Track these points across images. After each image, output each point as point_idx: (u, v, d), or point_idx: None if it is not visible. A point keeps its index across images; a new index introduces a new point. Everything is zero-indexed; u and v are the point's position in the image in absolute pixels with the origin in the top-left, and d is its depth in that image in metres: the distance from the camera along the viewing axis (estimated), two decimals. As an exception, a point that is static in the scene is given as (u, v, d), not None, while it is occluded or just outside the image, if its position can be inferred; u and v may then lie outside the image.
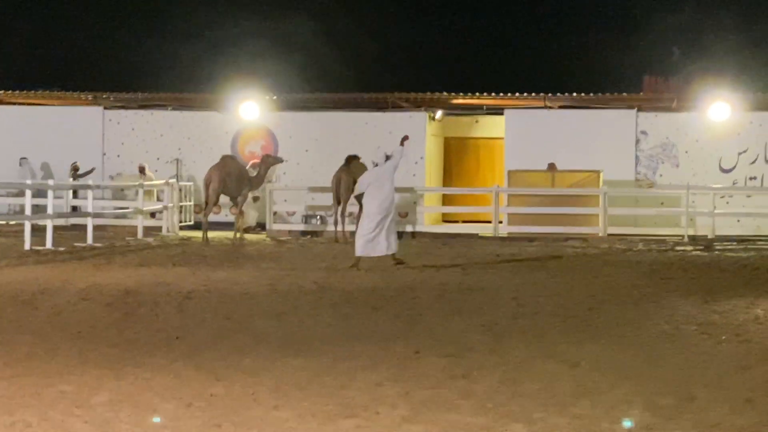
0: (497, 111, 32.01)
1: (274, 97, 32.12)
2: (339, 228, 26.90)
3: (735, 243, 26.43)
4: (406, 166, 27.46)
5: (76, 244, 23.92)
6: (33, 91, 33.44)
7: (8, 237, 25.89)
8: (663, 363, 10.35)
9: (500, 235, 27.63)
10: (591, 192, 28.22)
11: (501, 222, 28.20)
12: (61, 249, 22.74)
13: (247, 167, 27.33)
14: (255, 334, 11.86)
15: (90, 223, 24.85)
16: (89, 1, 55.32)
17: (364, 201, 20.12)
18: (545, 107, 31.18)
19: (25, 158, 31.75)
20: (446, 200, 32.36)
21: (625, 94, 31.39)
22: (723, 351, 11.09)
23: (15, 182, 28.94)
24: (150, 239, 26.33)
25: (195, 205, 31.06)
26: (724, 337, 11.88)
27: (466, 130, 34.18)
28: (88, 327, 12.25)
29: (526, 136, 30.53)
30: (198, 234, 27.32)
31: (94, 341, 11.27)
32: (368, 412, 8.30)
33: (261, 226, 28.97)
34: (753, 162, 29.94)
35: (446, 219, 32.18)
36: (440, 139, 33.60)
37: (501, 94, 30.85)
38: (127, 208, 29.24)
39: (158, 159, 31.68)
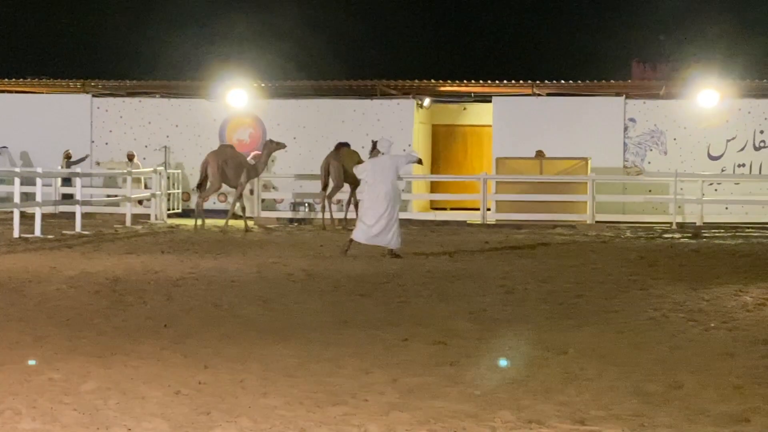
0: (485, 98, 32.04)
1: (262, 85, 32.11)
2: (327, 215, 26.93)
3: (723, 230, 26.48)
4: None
5: (64, 231, 23.90)
6: (21, 79, 33.36)
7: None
8: (651, 350, 10.37)
9: (488, 223, 27.67)
10: (579, 179, 28.26)
11: (489, 209, 28.22)
12: (50, 237, 22.72)
13: (249, 158, 27.21)
14: (243, 322, 11.86)
15: (78, 210, 24.82)
16: (77, -11, 55.11)
17: (366, 190, 19.82)
18: (533, 94, 31.21)
19: (5, 147, 31.71)
20: (434, 187, 32.36)
21: (613, 81, 31.46)
22: (711, 338, 11.12)
23: (2, 170, 28.91)
24: (138, 227, 26.32)
25: (183, 193, 31.05)
26: (712, 324, 11.91)
27: (454, 117, 34.20)
28: (76, 315, 12.24)
29: (514, 124, 30.57)
30: (187, 222, 27.36)
31: (83, 329, 11.26)
32: (356, 399, 8.31)
33: None
34: (741, 149, 30.00)
35: (434, 206, 32.22)
36: (428, 127, 33.62)
37: (489, 81, 30.89)
38: (115, 196, 29.23)
39: (146, 147, 31.67)
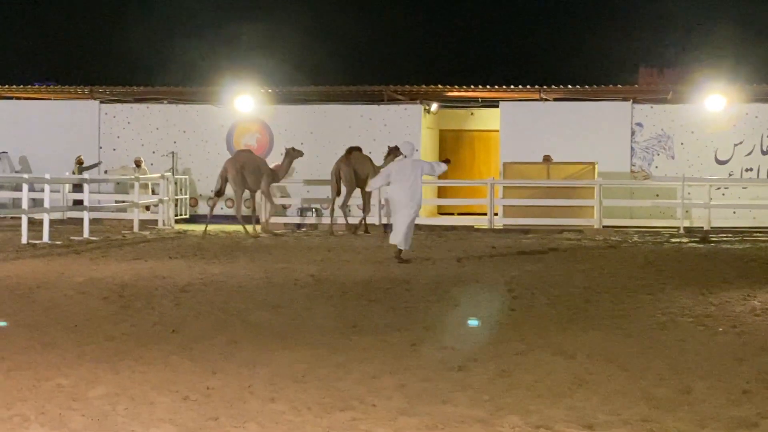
0: (492, 103, 32.05)
1: (270, 90, 32.12)
2: (342, 221, 27.00)
3: (731, 234, 26.45)
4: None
5: (72, 237, 23.94)
6: (29, 85, 33.43)
7: (5, 231, 25.92)
8: (659, 354, 10.36)
9: (496, 227, 27.66)
10: (586, 184, 28.23)
11: (496, 214, 28.23)
12: (58, 243, 22.76)
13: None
14: (251, 327, 11.86)
15: (86, 216, 24.87)
16: (84, -5, 55.24)
17: (390, 194, 19.90)
18: (540, 99, 31.21)
19: (4, 152, 31.78)
20: (441, 192, 32.39)
21: (620, 85, 31.41)
22: (719, 342, 11.10)
23: (11, 176, 28.98)
24: (146, 233, 26.35)
25: (191, 198, 31.10)
26: (720, 329, 11.89)
27: (462, 122, 34.21)
28: (84, 320, 12.25)
29: (521, 128, 30.57)
30: (195, 227, 27.44)
31: (91, 335, 11.27)
32: (364, 404, 8.30)
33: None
34: (749, 153, 29.97)
35: (442, 211, 32.22)
36: (435, 132, 33.63)
37: (496, 86, 30.87)
38: (123, 201, 29.26)
39: (154, 152, 31.71)
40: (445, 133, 34.08)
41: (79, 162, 30.85)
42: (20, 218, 23.58)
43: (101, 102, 32.58)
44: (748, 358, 10.18)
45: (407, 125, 31.07)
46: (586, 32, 51.44)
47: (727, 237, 25.85)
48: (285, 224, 28.50)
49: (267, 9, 52.70)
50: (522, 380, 9.14)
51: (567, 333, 11.57)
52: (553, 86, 30.71)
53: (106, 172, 31.75)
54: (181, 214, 30.08)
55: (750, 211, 29.09)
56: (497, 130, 31.23)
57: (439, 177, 23.22)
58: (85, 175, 29.20)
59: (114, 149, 32.15)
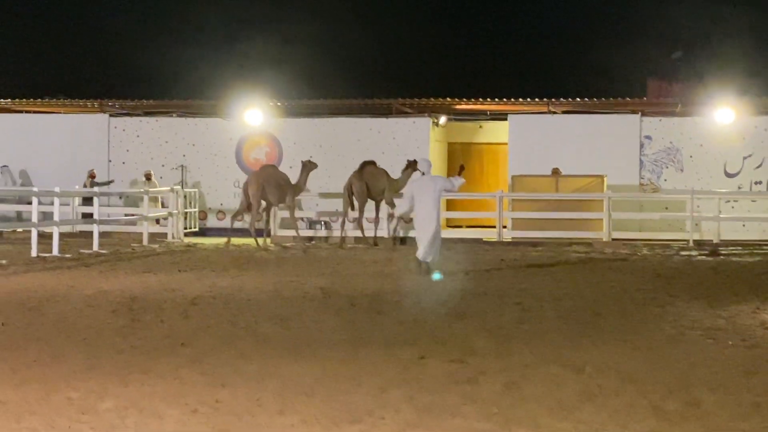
0: (501, 116, 32.05)
1: (279, 104, 32.17)
2: (350, 234, 27.08)
3: (740, 247, 26.41)
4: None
5: (82, 250, 23.98)
6: (39, 99, 33.51)
7: (15, 244, 25.99)
8: (668, 367, 10.34)
9: (504, 240, 27.65)
10: (595, 197, 28.21)
11: (505, 227, 28.22)
12: (68, 256, 22.80)
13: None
14: (260, 340, 11.87)
15: (96, 230, 24.92)
16: (95, 10, 55.39)
17: (415, 212, 19.94)
18: (549, 112, 31.21)
19: (5, 166, 31.85)
20: (450, 205, 32.35)
21: (628, 98, 31.40)
22: (729, 356, 11.08)
23: (22, 189, 29.04)
24: (155, 246, 26.38)
25: (200, 212, 31.14)
26: (730, 342, 11.87)
27: (470, 135, 34.21)
28: (94, 333, 12.26)
29: (529, 141, 30.57)
30: (203, 240, 27.52)
31: (100, 347, 11.28)
32: (373, 417, 8.30)
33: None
34: (758, 166, 29.94)
35: (450, 224, 32.20)
36: (444, 145, 33.64)
37: (504, 99, 30.88)
38: (133, 215, 29.31)
39: (163, 166, 31.76)
40: (453, 146, 34.09)
41: (92, 176, 30.89)
42: (30, 231, 23.62)
43: (111, 115, 32.64)
44: (758, 372, 10.16)
45: (416, 138, 31.09)
46: (595, 45, 51.43)
47: (736, 250, 25.81)
48: (294, 237, 28.48)
49: (276, 23, 52.80)
50: (531, 393, 9.14)
51: (576, 346, 11.56)
52: (561, 99, 30.72)
53: (120, 198, 31.76)
54: (190, 228, 30.10)
55: (759, 224, 29.05)
56: (506, 143, 31.24)
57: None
58: (95, 189, 29.23)
59: (123, 163, 32.21)
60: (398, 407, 8.61)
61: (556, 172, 29.27)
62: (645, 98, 34.64)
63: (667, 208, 29.58)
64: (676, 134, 30.37)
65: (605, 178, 28.78)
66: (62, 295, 15.88)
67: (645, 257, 23.89)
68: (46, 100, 33.63)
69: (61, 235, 24.05)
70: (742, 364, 10.53)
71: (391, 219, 27.56)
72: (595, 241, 27.24)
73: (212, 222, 31.63)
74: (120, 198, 31.43)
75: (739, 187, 29.84)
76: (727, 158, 30.01)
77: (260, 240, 26.51)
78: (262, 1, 54.96)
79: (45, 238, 24.16)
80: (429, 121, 31.39)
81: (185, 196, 29.95)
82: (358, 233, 27.37)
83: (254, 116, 31.18)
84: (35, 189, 24.42)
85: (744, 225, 29.15)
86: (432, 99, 31.06)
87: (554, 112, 31.28)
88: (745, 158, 29.97)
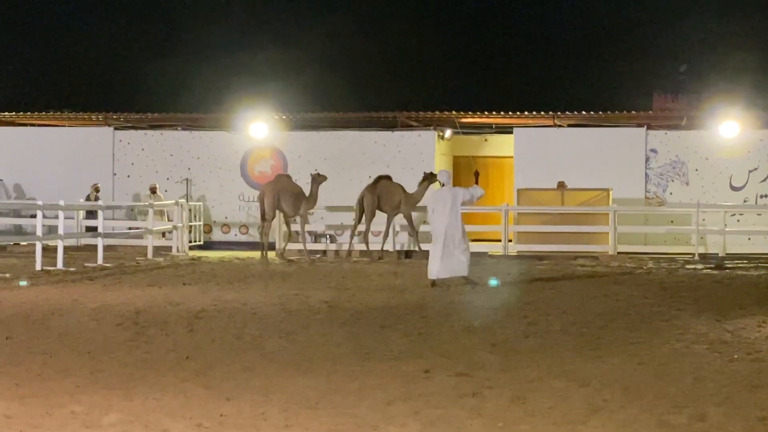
0: (506, 129, 32.06)
1: (284, 117, 32.19)
2: (365, 247, 27.08)
3: (746, 261, 26.38)
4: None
5: (86, 264, 23.98)
6: (44, 112, 33.55)
7: (19, 257, 26.00)
8: (674, 381, 10.32)
9: (510, 254, 27.62)
10: (601, 210, 28.21)
11: (510, 240, 28.19)
12: (72, 269, 22.80)
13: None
14: (265, 354, 11.85)
15: (100, 243, 24.93)
16: (100, 23, 55.49)
17: (431, 224, 19.96)
18: (554, 125, 31.22)
19: (0, 180, 31.92)
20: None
21: (634, 112, 31.42)
22: (735, 369, 11.05)
23: (25, 203, 29.07)
24: (160, 259, 26.38)
25: (205, 225, 31.15)
26: (735, 356, 11.84)
27: (476, 148, 34.22)
28: (98, 347, 12.25)
29: (535, 155, 30.57)
30: (208, 254, 27.50)
31: (105, 361, 11.27)
32: (378, 431, 8.28)
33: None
34: (764, 180, 29.92)
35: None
36: (449, 158, 33.64)
37: (510, 112, 30.90)
38: (137, 228, 29.31)
39: (168, 179, 31.77)
40: (459, 160, 34.08)
41: (97, 189, 30.90)
42: (33, 245, 23.62)
43: (115, 129, 32.68)
44: (764, 386, 10.13)
45: (421, 151, 31.10)
46: (600, 58, 51.49)
47: (742, 263, 25.78)
48: (299, 250, 28.47)
49: (281, 36, 52.88)
50: (537, 407, 9.11)
51: (582, 360, 11.53)
52: (567, 112, 30.73)
53: (132, 210, 31.80)
54: (195, 241, 30.10)
55: (765, 238, 29.01)
56: (511, 157, 31.24)
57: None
58: (100, 201, 29.23)
59: (128, 176, 32.23)
60: (404, 421, 8.59)
61: (561, 185, 29.27)
62: (650, 112, 34.65)
63: (672, 222, 29.56)
64: (681, 148, 30.36)
65: (611, 192, 28.78)
66: (67, 308, 15.87)
67: (650, 271, 23.86)
68: (51, 113, 33.67)
69: (66, 249, 24.05)
70: (748, 378, 10.50)
71: (412, 235, 27.65)
72: (601, 254, 27.22)
73: (217, 235, 31.64)
74: (133, 210, 31.43)
75: (745, 201, 29.82)
76: (733, 172, 29.99)
77: (266, 253, 26.55)
78: (266, 14, 55.08)
79: (49, 251, 24.17)
80: (434, 135, 31.41)
81: (190, 210, 29.94)
82: (365, 246, 27.34)
83: (259, 129, 31.20)
84: (40, 202, 24.43)
85: (749, 238, 29.13)
86: (437, 112, 31.09)
87: (560, 126, 31.28)
88: (750, 171, 29.95)
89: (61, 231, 24.03)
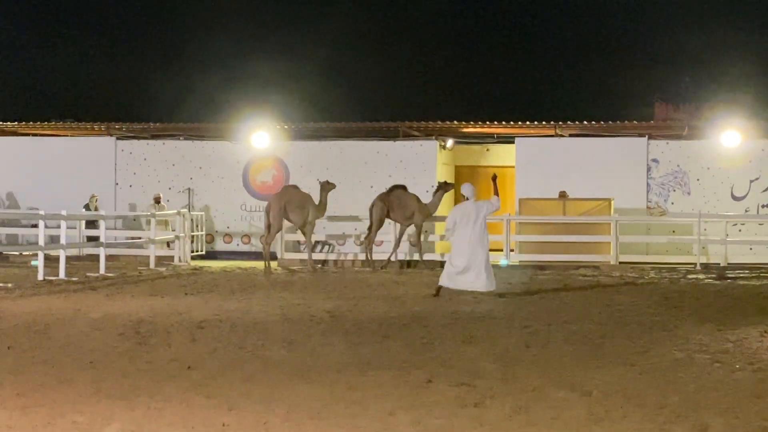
0: (508, 139, 32.07)
1: (286, 127, 32.20)
2: (369, 256, 27.10)
3: (747, 271, 26.37)
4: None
5: (88, 274, 23.99)
6: (46, 122, 33.56)
7: (21, 267, 26.01)
8: (676, 391, 10.32)
9: (512, 263, 27.61)
10: (602, 220, 28.20)
11: (512, 250, 28.19)
12: (74, 279, 22.80)
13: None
14: (267, 363, 11.85)
15: (102, 253, 24.94)
16: (102, 33, 55.55)
17: (453, 235, 20.07)
18: (556, 135, 31.22)
19: None
20: (457, 228, 32.34)
21: (635, 121, 31.41)
22: (736, 379, 11.05)
23: (26, 212, 29.08)
24: (162, 269, 26.39)
25: (207, 235, 31.15)
26: (737, 366, 11.84)
27: (477, 158, 34.23)
28: (100, 357, 12.25)
29: (536, 164, 30.57)
30: (210, 263, 27.51)
31: (107, 371, 11.27)
32: (381, 441, 8.29)
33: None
34: (765, 190, 29.91)
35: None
36: (451, 168, 33.64)
37: (512, 122, 30.91)
38: (139, 237, 29.32)
39: (170, 188, 31.78)
40: (460, 169, 34.09)
41: (95, 199, 30.89)
42: (35, 254, 23.64)
43: (118, 138, 32.70)
44: (766, 395, 10.13)
45: (423, 161, 31.12)
46: (602, 68, 51.52)
47: (743, 273, 25.78)
48: (301, 260, 28.49)
49: (283, 46, 52.94)
50: (539, 417, 9.11)
51: (583, 369, 11.53)
52: (568, 122, 30.73)
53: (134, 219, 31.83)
54: (197, 251, 30.11)
55: (767, 248, 28.99)
56: (513, 166, 31.23)
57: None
58: (102, 211, 29.24)
59: (130, 186, 32.24)
60: (406, 431, 8.59)
61: (563, 195, 29.27)
62: (652, 121, 34.65)
63: (674, 232, 29.55)
64: (683, 157, 30.36)
65: (612, 202, 28.78)
66: (69, 318, 15.88)
67: (652, 280, 23.86)
68: (53, 123, 33.69)
69: (68, 258, 24.07)
70: (749, 388, 10.50)
71: (414, 244, 27.67)
72: (603, 264, 27.21)
73: (219, 245, 31.64)
74: (135, 220, 31.44)
75: (746, 210, 29.82)
76: (734, 181, 29.99)
77: (272, 263, 26.58)
78: (269, 24, 55.15)
79: (52, 261, 24.18)
80: (436, 144, 31.42)
81: (192, 219, 29.94)
82: (370, 256, 27.32)
83: (261, 139, 31.22)
84: (42, 212, 24.44)
85: (751, 248, 29.12)
86: (439, 122, 31.10)
87: (561, 135, 31.29)
88: (752, 181, 29.95)
89: (63, 240, 24.04)
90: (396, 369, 11.48)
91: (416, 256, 27.72)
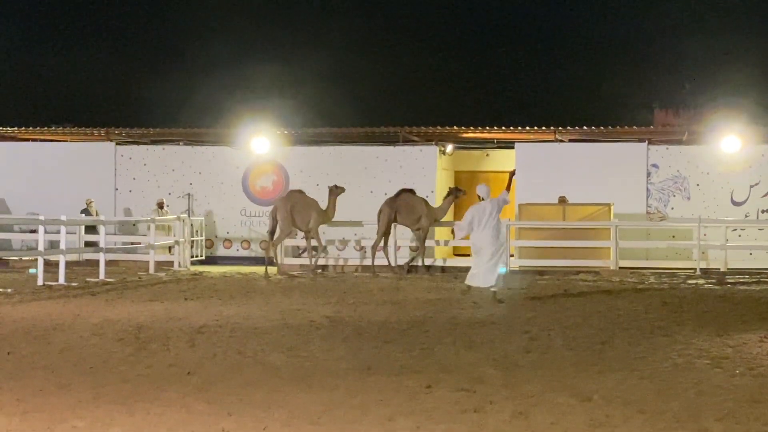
0: (508, 144, 32.07)
1: (285, 132, 32.21)
2: (386, 262, 27.13)
3: (747, 276, 26.36)
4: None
5: (88, 279, 23.99)
6: (45, 127, 33.58)
7: (21, 272, 26.00)
8: (676, 396, 10.31)
9: (511, 269, 27.60)
10: (602, 225, 28.19)
11: (512, 255, 28.18)
12: (74, 284, 22.80)
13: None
14: (267, 369, 11.85)
15: (102, 258, 24.94)
16: (101, 38, 55.58)
17: (472, 236, 20.20)
18: (556, 140, 31.23)
19: None
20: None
21: (635, 127, 31.41)
22: (736, 384, 11.04)
23: (26, 218, 29.08)
24: (162, 274, 26.38)
25: (207, 240, 31.15)
26: (737, 371, 11.83)
27: (477, 163, 34.23)
28: (100, 362, 12.25)
29: (536, 170, 30.57)
30: (210, 269, 27.51)
31: (107, 376, 11.27)
32: (380, 446, 8.28)
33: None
34: (765, 195, 29.92)
35: (457, 252, 32.19)
36: (451, 173, 33.65)
37: (511, 127, 30.89)
38: (139, 243, 29.32)
39: (170, 194, 31.77)
40: (460, 175, 34.10)
41: (88, 204, 30.85)
42: (35, 260, 23.64)
43: (117, 143, 32.71)
44: (766, 400, 10.13)
45: (423, 166, 31.12)
46: (602, 73, 51.55)
47: (743, 278, 25.77)
48: (301, 265, 28.49)
49: (283, 51, 52.95)
50: (539, 423, 9.11)
51: (583, 375, 11.53)
52: (568, 127, 30.73)
53: (134, 224, 31.81)
54: (197, 256, 30.10)
55: (767, 253, 28.97)
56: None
57: (454, 218, 23.45)
58: (102, 216, 29.26)
59: (130, 191, 32.25)
60: (405, 436, 8.59)
61: (562, 200, 29.27)
62: (652, 126, 34.66)
63: (674, 237, 29.54)
64: (682, 162, 30.37)
65: (612, 207, 28.77)
66: (68, 323, 15.87)
67: (652, 286, 23.85)
68: (53, 128, 33.70)
69: (67, 264, 24.06)
70: (749, 393, 10.50)
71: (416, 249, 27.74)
72: (603, 269, 27.21)
73: (219, 250, 31.64)
74: (134, 225, 31.43)
75: (746, 216, 29.81)
76: (734, 186, 29.99)
77: (272, 269, 26.57)
78: (268, 29, 55.17)
79: (52, 266, 24.18)
80: (436, 150, 31.42)
81: (191, 225, 29.94)
82: (377, 261, 27.34)
83: (261, 144, 31.22)
84: (42, 217, 24.44)
85: (751, 253, 29.10)
86: (439, 127, 31.09)
87: (561, 141, 31.30)
88: (752, 186, 29.95)
89: (63, 246, 24.04)
90: (396, 374, 11.48)
91: (418, 261, 27.73)
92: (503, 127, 30.93)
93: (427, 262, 28.07)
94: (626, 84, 47.96)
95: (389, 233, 27.37)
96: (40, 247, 23.35)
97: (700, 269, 27.25)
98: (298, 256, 29.77)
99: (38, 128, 33.33)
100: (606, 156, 30.68)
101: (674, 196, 30.31)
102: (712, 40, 49.25)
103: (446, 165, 32.81)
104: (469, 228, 20.19)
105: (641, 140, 30.87)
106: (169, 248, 29.10)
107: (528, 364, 12.34)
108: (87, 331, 14.91)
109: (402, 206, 27.23)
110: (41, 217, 24.42)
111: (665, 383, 11.06)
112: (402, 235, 27.99)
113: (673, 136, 31.50)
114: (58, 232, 24.58)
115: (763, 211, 29.91)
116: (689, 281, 25.07)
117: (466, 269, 27.48)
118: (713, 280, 25.14)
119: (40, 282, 22.45)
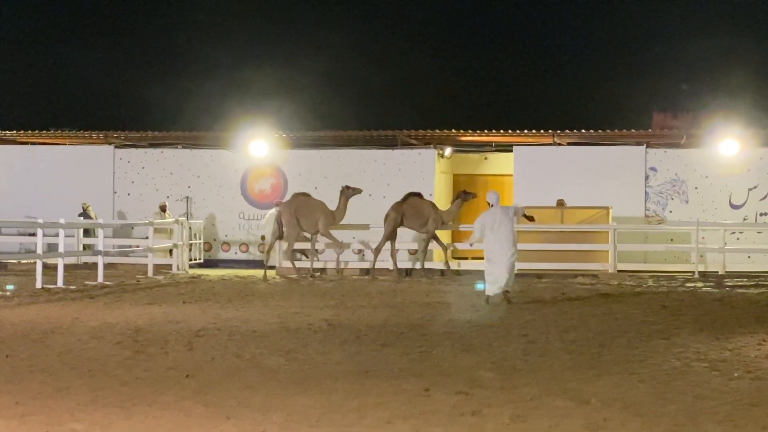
0: (506, 148, 32.08)
1: (284, 135, 32.21)
2: (394, 266, 27.13)
3: (746, 279, 26.37)
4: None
5: (86, 282, 23.98)
6: (44, 131, 33.57)
7: (19, 275, 25.99)
8: (674, 400, 10.31)
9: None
10: (600, 228, 28.20)
11: (510, 258, 28.14)
12: (72, 287, 22.79)
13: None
14: (265, 372, 11.85)
15: (101, 261, 24.94)
16: (100, 42, 55.58)
17: (485, 243, 20.22)
18: (554, 144, 31.24)
19: None
20: (455, 236, 32.34)
21: (633, 130, 31.44)
22: (735, 388, 11.05)
23: (25, 221, 29.07)
24: (160, 277, 26.38)
25: (205, 243, 31.15)
26: (735, 374, 11.83)
27: (475, 167, 34.25)
28: (98, 365, 12.25)
29: (535, 173, 30.59)
30: (209, 272, 27.50)
31: (105, 379, 11.27)
32: (378, 449, 8.28)
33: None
34: (763, 198, 29.94)
35: (456, 256, 32.17)
36: (449, 176, 33.66)
37: (510, 131, 30.92)
38: (138, 246, 29.31)
39: (168, 197, 31.77)
40: (458, 178, 34.11)
41: (85, 207, 30.84)
42: (33, 263, 23.63)
43: (116, 147, 32.72)
44: (764, 404, 10.13)
45: (421, 170, 31.13)
46: (600, 77, 51.56)
47: (741, 281, 25.77)
48: (300, 269, 28.48)
49: (281, 54, 52.96)
50: (537, 426, 9.11)
51: (581, 378, 11.53)
52: (566, 131, 30.75)
53: (132, 228, 31.80)
54: (195, 259, 30.10)
55: (765, 256, 29.01)
56: (511, 175, 31.25)
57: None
58: (100, 219, 29.23)
59: (128, 194, 32.26)
60: (403, 440, 8.59)
61: (561, 203, 29.27)
62: (650, 130, 34.68)
63: (672, 240, 29.57)
64: (681, 166, 30.39)
65: (610, 210, 28.77)
66: (67, 326, 15.87)
67: (650, 289, 23.86)
68: (51, 131, 33.70)
69: (66, 267, 24.05)
70: (747, 396, 10.50)
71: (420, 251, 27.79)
72: (601, 272, 27.21)
73: (218, 253, 31.64)
74: (132, 228, 31.43)
75: (745, 219, 29.84)
76: (732, 190, 30.02)
77: (270, 272, 26.58)
78: (267, 33, 55.18)
79: (50, 269, 24.17)
80: (434, 153, 31.43)
81: (190, 228, 29.92)
82: (381, 264, 27.33)
83: (259, 148, 31.23)
84: (40, 220, 24.42)
85: (749, 256, 29.13)
86: (437, 130, 31.11)
87: (559, 144, 31.31)
88: (750, 190, 29.98)
89: (62, 249, 24.04)
90: (394, 377, 11.48)
91: (417, 264, 27.72)
92: (502, 131, 30.95)
93: (431, 265, 28.04)
94: (624, 87, 47.98)
95: (395, 237, 27.34)
96: (39, 250, 23.35)
97: (699, 272, 27.26)
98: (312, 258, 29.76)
99: (37, 131, 33.33)
100: (604, 159, 30.70)
101: (672, 199, 30.33)
102: (711, 43, 49.26)
103: (445, 168, 32.82)
104: (479, 234, 20.26)
105: (639, 143, 30.89)
106: (170, 251, 29.10)
107: (526, 368, 12.33)
108: (85, 335, 14.91)
109: (408, 210, 27.23)
110: (40, 221, 24.39)
111: (663, 386, 11.06)
112: (401, 239, 27.93)
113: (671, 139, 31.52)
114: (57, 235, 24.58)
115: (761, 215, 29.93)
116: (687, 284, 25.08)
117: (467, 270, 27.63)
118: (711, 283, 25.14)
119: (38, 285, 22.44)
